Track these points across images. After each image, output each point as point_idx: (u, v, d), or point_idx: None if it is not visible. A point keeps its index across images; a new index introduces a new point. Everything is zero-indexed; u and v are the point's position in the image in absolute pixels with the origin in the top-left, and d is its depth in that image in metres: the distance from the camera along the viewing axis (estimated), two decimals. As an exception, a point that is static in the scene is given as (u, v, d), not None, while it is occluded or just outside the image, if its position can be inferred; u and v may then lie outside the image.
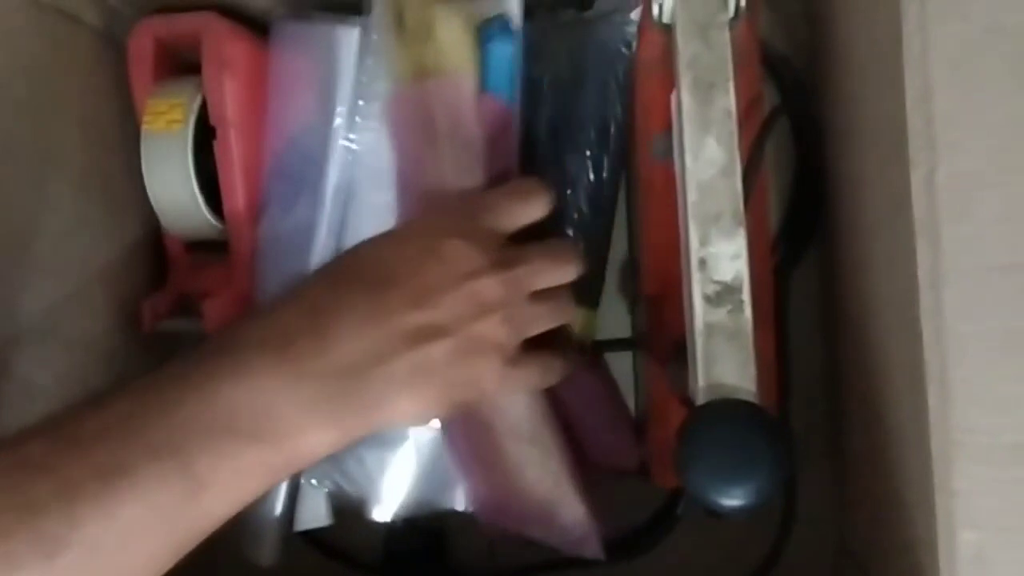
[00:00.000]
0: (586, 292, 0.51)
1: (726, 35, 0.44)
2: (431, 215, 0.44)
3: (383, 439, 0.50)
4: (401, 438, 0.50)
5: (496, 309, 0.40)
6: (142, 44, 0.51)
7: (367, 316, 0.37)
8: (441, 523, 0.55)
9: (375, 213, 0.49)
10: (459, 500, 0.51)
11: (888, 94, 0.36)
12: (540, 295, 0.43)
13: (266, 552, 0.54)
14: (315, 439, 0.36)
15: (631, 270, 0.56)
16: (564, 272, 0.44)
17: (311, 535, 0.56)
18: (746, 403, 0.39)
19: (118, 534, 0.31)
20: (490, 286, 0.39)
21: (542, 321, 0.43)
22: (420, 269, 0.39)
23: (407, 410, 0.38)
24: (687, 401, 0.45)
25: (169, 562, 0.33)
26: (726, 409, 0.39)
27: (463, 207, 0.43)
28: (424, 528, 0.54)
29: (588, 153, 0.50)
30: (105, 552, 0.31)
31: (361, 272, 0.39)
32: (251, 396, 0.34)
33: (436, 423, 0.50)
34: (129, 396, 0.34)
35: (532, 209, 0.44)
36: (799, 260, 0.55)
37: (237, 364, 0.35)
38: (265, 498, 0.51)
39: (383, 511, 0.51)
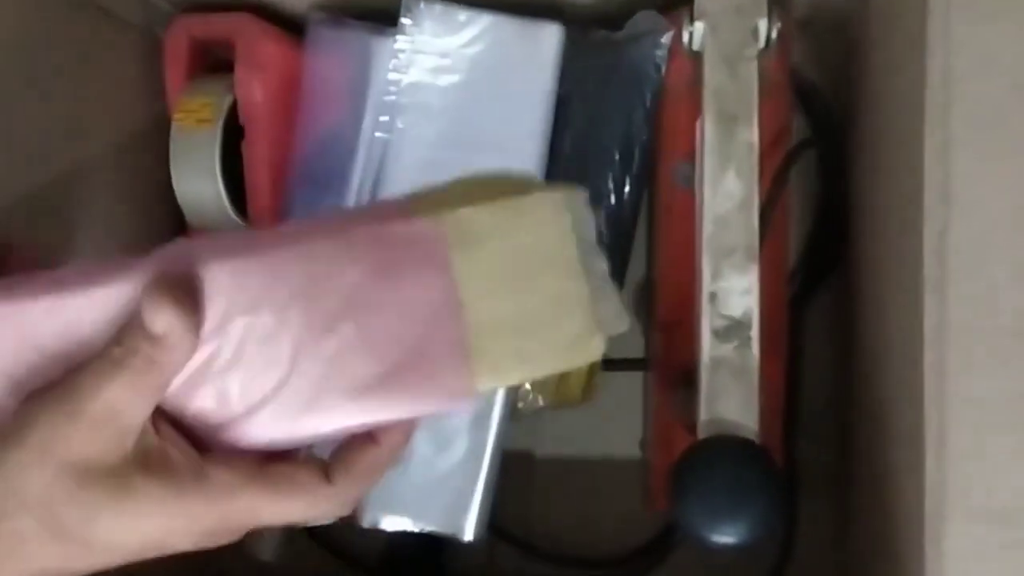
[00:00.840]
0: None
1: (754, 68, 0.44)
2: None
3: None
4: (411, 457, 0.50)
5: None
6: (178, 41, 0.52)
7: None
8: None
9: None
10: (468, 530, 0.50)
11: (909, 143, 0.36)
12: None
13: (269, 548, 0.55)
14: None
15: (648, 291, 0.56)
16: None
17: (314, 532, 0.57)
18: (745, 441, 0.39)
19: None
20: None
21: None
22: None
23: None
24: (693, 430, 0.45)
25: None
26: (724, 446, 0.39)
27: None
28: (424, 537, 0.55)
29: (611, 173, 0.51)
30: None
31: None
32: None
33: (455, 450, 0.50)
34: None
35: None
36: (816, 293, 0.54)
37: None
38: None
39: (385, 522, 0.51)
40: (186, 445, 0.31)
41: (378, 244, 0.32)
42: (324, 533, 0.57)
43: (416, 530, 0.50)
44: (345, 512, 0.33)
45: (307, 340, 0.31)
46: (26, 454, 0.29)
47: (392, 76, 0.50)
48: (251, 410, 0.31)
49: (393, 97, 0.50)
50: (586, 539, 0.57)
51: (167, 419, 0.31)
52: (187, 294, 0.30)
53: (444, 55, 0.49)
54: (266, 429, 0.32)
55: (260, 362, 0.31)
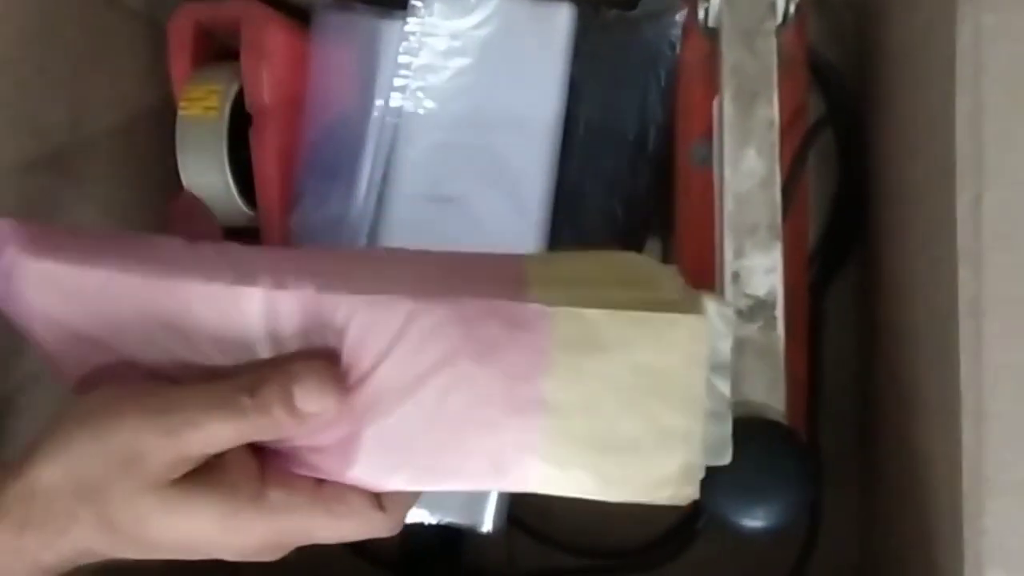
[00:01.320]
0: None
1: (772, 43, 0.43)
2: None
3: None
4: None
5: None
6: (182, 28, 0.51)
7: None
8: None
9: (410, 207, 0.48)
10: (487, 522, 0.49)
11: (939, 114, 0.35)
12: None
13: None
14: None
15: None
16: None
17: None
18: (773, 423, 0.38)
19: None
20: None
21: None
22: None
23: None
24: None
25: None
26: (752, 428, 0.38)
27: None
28: (442, 527, 0.54)
29: (626, 155, 0.50)
30: None
31: None
32: None
33: None
34: None
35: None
36: (836, 276, 0.53)
37: None
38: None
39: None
40: (250, 460, 0.31)
41: (485, 317, 0.29)
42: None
43: (434, 522, 0.49)
44: (392, 533, 0.32)
45: (397, 397, 0.30)
46: (98, 448, 0.29)
47: (402, 59, 0.49)
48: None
49: (404, 81, 0.49)
50: (605, 529, 0.56)
51: None
52: (340, 378, 0.30)
53: (455, 37, 0.48)
54: (334, 470, 0.31)
55: None
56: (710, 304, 0.30)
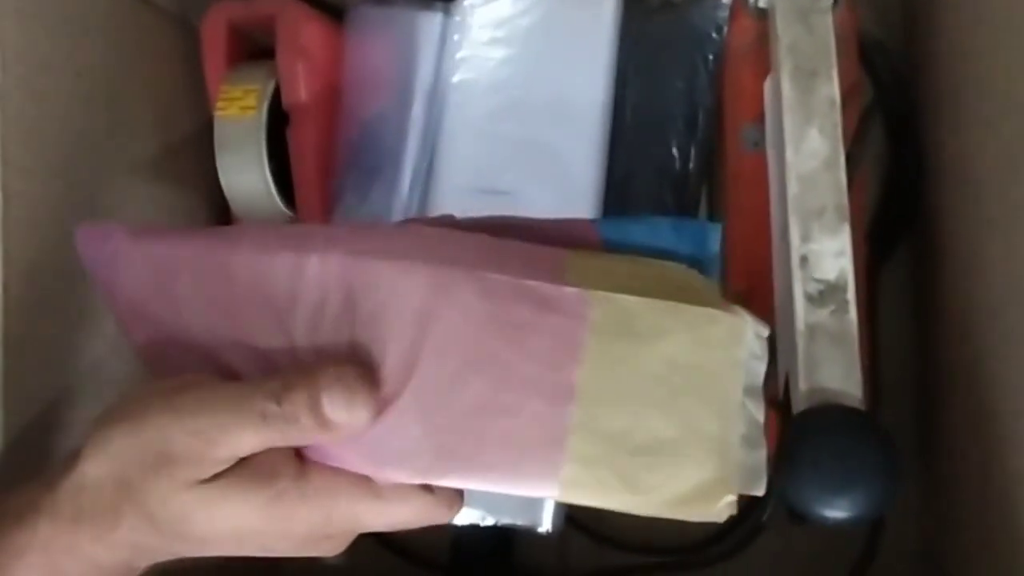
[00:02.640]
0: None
1: (829, 20, 0.42)
2: None
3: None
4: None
5: None
6: (215, 28, 0.50)
7: None
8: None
9: (457, 201, 0.47)
10: (546, 521, 0.48)
11: (1014, 79, 0.34)
12: None
13: (334, 548, 0.53)
14: None
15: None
16: None
17: (379, 532, 0.55)
18: (853, 409, 0.37)
19: None
20: None
21: None
22: None
23: None
24: (773, 401, 0.43)
25: None
26: (834, 416, 0.37)
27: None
28: (493, 529, 0.53)
29: (675, 141, 0.49)
30: None
31: None
32: None
33: None
34: None
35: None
36: (890, 257, 0.52)
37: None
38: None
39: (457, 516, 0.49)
40: (287, 448, 0.30)
41: (516, 296, 0.28)
42: (387, 533, 0.55)
43: (492, 523, 0.48)
44: (446, 519, 0.31)
45: (430, 385, 0.28)
46: (132, 447, 0.29)
47: (444, 52, 0.48)
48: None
49: (445, 73, 0.48)
50: (658, 525, 0.54)
51: None
52: (372, 386, 0.29)
53: (498, 27, 0.47)
54: (373, 461, 0.30)
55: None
56: (748, 321, 0.29)
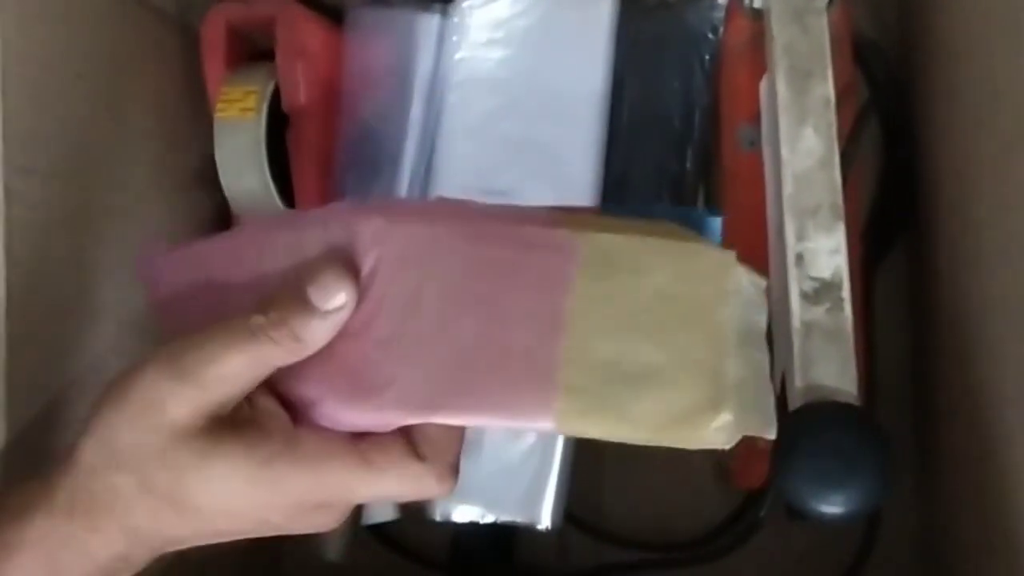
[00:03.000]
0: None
1: (823, 21, 0.42)
2: None
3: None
4: (481, 445, 0.48)
5: None
6: (215, 30, 0.50)
7: None
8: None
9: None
10: (545, 518, 0.48)
11: (1004, 77, 0.34)
12: None
13: (334, 546, 0.53)
14: None
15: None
16: None
17: (378, 530, 0.55)
18: (849, 406, 0.37)
19: None
20: None
21: None
22: None
23: None
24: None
25: None
26: (828, 412, 0.37)
27: None
28: (493, 526, 0.53)
29: (672, 141, 0.49)
30: None
31: None
32: None
33: (527, 436, 0.48)
34: None
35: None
36: (885, 256, 0.53)
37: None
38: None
39: (457, 514, 0.49)
40: (279, 410, 0.30)
41: (504, 241, 0.29)
42: (388, 531, 0.56)
43: (491, 520, 0.48)
44: (441, 492, 0.31)
45: (404, 315, 0.29)
46: (123, 412, 0.29)
47: (442, 53, 0.48)
48: None
49: (445, 73, 0.48)
50: (658, 523, 0.55)
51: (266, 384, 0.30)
52: (354, 276, 0.29)
53: (496, 28, 0.47)
54: (367, 399, 0.30)
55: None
56: (742, 270, 0.30)
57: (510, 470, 0.48)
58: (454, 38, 0.49)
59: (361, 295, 0.29)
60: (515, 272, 0.29)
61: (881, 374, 0.51)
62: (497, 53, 0.48)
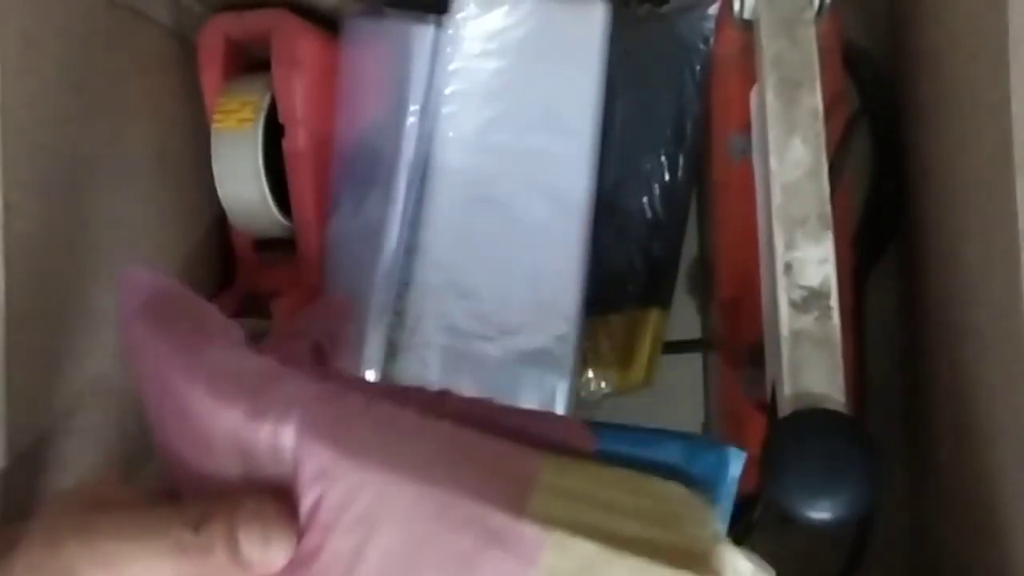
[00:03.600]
0: (659, 291, 0.51)
1: (812, 32, 0.43)
2: None
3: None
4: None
5: None
6: (212, 42, 0.51)
7: None
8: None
9: (449, 211, 0.48)
10: None
11: (987, 91, 0.35)
12: None
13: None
14: None
15: (702, 270, 0.55)
16: None
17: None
18: (837, 413, 0.38)
19: None
20: None
21: None
22: None
23: None
24: (762, 407, 0.44)
25: None
26: (816, 419, 0.37)
27: None
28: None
29: (663, 151, 0.50)
30: None
31: None
32: None
33: None
34: None
35: None
36: (876, 264, 0.53)
37: None
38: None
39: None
40: None
41: (463, 522, 0.25)
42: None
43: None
44: None
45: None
46: (49, 571, 0.27)
47: (436, 63, 0.48)
48: None
49: (438, 85, 0.48)
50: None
51: None
52: (290, 526, 0.27)
53: (490, 39, 0.48)
54: None
55: None
56: (736, 560, 0.26)
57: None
58: (448, 49, 0.49)
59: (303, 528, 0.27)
60: (469, 568, 0.25)
61: (875, 379, 0.51)
62: (491, 64, 0.48)
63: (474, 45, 0.49)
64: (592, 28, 0.48)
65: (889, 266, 0.54)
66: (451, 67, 0.49)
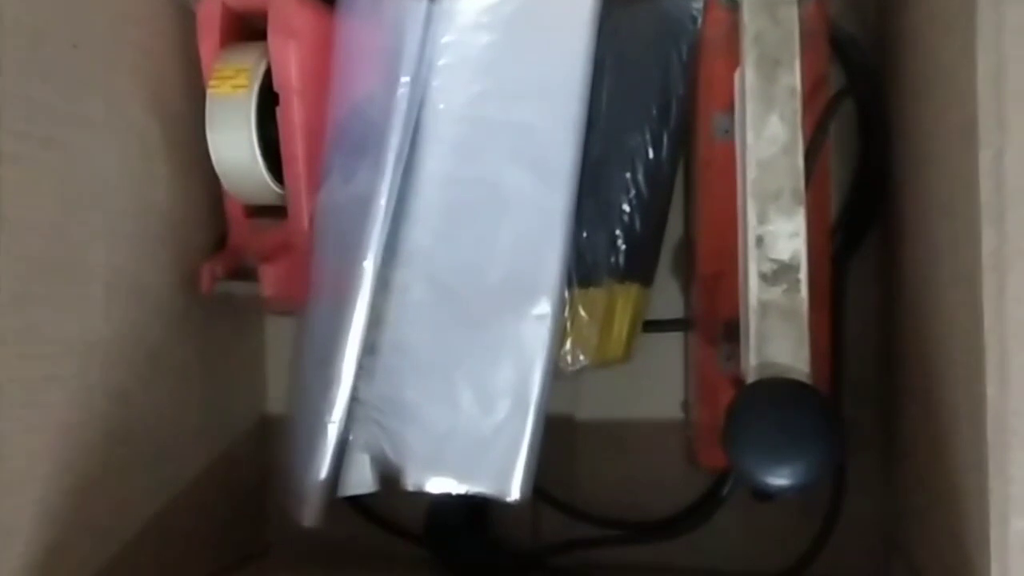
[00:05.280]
0: (640, 267, 0.51)
1: (794, 12, 0.44)
2: None
3: (434, 417, 0.50)
4: (453, 418, 0.49)
5: None
6: (210, 10, 0.52)
7: None
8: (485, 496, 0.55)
9: (437, 182, 0.49)
10: (513, 491, 0.49)
11: (959, 71, 0.36)
12: None
13: (310, 514, 0.55)
14: None
15: (686, 249, 0.56)
16: None
17: (355, 500, 0.57)
18: (797, 382, 0.38)
19: None
20: None
21: None
22: None
23: None
24: (738, 382, 0.45)
25: None
26: (777, 388, 0.38)
27: None
28: (467, 500, 0.55)
29: (648, 129, 0.50)
30: None
31: None
32: None
33: (499, 411, 0.49)
34: None
35: None
36: (859, 247, 0.54)
37: None
38: (310, 462, 0.52)
39: (429, 484, 0.50)
40: None
41: None
42: (364, 502, 0.57)
43: (461, 491, 0.49)
44: None
45: None
46: None
47: (429, 36, 0.49)
48: None
49: (430, 57, 0.49)
50: (629, 501, 0.56)
51: None
52: None
53: (483, 12, 0.49)
54: None
55: None
56: None
57: (481, 444, 0.49)
58: (442, 22, 0.50)
59: None
60: None
61: (855, 365, 0.52)
62: (482, 38, 0.49)
63: (467, 18, 0.49)
64: (582, 6, 0.48)
65: (869, 249, 0.54)
66: (443, 40, 0.50)
